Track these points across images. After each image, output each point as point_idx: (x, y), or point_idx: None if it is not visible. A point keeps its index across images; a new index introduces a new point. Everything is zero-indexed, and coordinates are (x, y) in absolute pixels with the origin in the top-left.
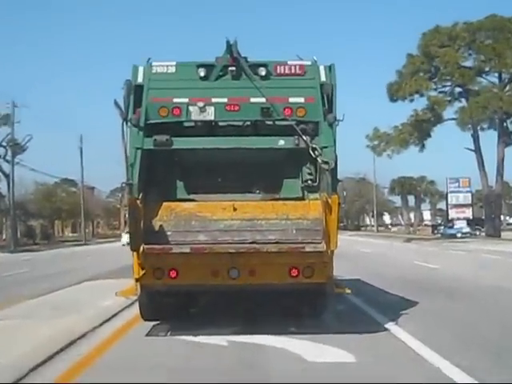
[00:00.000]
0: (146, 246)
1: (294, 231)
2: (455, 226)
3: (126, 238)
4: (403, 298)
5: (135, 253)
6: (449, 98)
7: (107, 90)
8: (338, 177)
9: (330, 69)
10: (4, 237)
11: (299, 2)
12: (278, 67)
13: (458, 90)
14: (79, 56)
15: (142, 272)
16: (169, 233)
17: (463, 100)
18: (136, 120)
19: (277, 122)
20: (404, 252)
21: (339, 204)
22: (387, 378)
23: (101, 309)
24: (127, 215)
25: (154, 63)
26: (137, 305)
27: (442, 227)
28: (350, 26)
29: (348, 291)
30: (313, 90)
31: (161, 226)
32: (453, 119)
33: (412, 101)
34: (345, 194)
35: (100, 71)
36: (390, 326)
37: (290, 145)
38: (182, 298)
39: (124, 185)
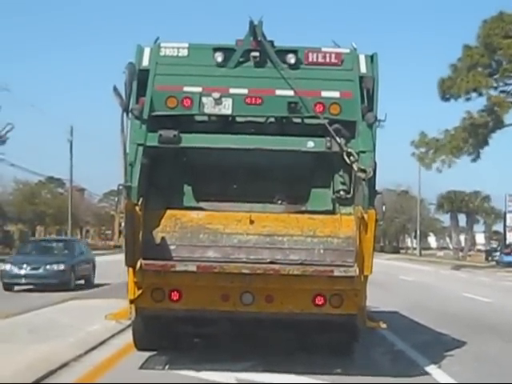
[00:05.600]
0: (144, 262)
1: (322, 251)
2: None
3: None
4: (448, 337)
5: (131, 269)
6: None
7: (105, 75)
8: (377, 188)
9: (371, 59)
10: None
11: None
12: (310, 55)
13: None
14: (73, 33)
15: (138, 292)
16: (172, 247)
17: None
18: (139, 111)
19: (306, 120)
20: (452, 281)
21: (377, 221)
22: None
23: (87, 334)
24: (123, 224)
25: (162, 44)
26: (130, 331)
27: (498, 253)
28: (394, 9)
29: (383, 326)
30: (350, 83)
31: (163, 238)
32: None
33: (468, 100)
34: (384, 209)
35: (97, 52)
36: (431, 369)
37: (321, 148)
38: (184, 326)
39: (121, 187)
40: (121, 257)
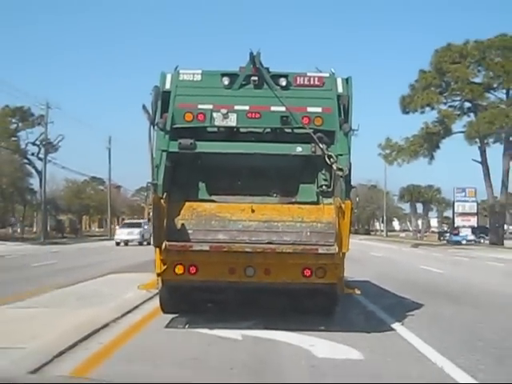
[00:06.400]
0: (168, 243)
1: (309, 233)
2: (460, 234)
3: (122, 234)
4: (409, 300)
5: (157, 249)
6: (458, 112)
7: (135, 95)
8: (352, 183)
9: (347, 81)
10: (35, 229)
11: (319, 22)
12: (298, 78)
13: (467, 104)
14: (110, 63)
15: (163, 267)
16: (190, 231)
17: (472, 114)
18: (163, 124)
19: (295, 130)
20: (412, 257)
21: (352, 209)
22: (393, 376)
23: (123, 301)
24: (151, 213)
25: (181, 71)
26: (157, 298)
27: (448, 234)
28: (366, 43)
29: (357, 292)
30: (330, 100)
31: (183, 224)
32: (461, 132)
33: (423, 113)
34: (358, 199)
35: (128, 77)
36: (396, 326)
37: (307, 152)
38: (200, 293)
39: (149, 184)
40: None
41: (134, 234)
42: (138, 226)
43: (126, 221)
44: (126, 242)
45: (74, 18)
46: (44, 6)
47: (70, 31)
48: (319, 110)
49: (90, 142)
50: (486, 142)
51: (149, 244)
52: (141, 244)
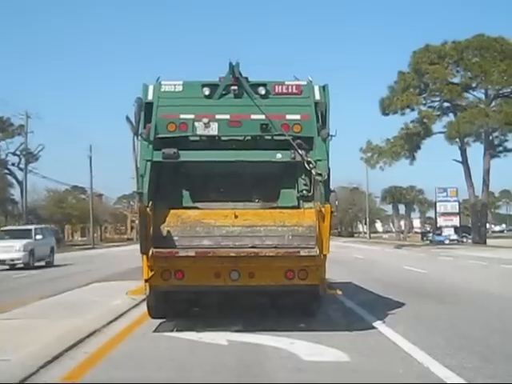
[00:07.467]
0: (154, 250)
1: (290, 237)
2: (443, 234)
3: (9, 251)
4: (393, 300)
5: (145, 256)
6: (438, 113)
7: (116, 105)
8: (332, 187)
9: (323, 88)
10: None
11: (297, 25)
12: (277, 87)
13: (446, 104)
14: (91, 73)
15: (150, 273)
16: (175, 238)
17: (451, 114)
18: (146, 134)
19: (275, 137)
20: (395, 257)
21: (332, 212)
22: (380, 376)
23: (110, 308)
24: (138, 221)
25: (163, 82)
26: (144, 304)
27: (431, 234)
28: (345, 46)
29: (339, 292)
30: (308, 108)
31: (168, 231)
32: (441, 132)
33: (403, 114)
34: (337, 203)
35: (110, 87)
36: (380, 326)
37: (287, 158)
38: (187, 298)
39: (135, 193)
40: (125, 248)
41: (13, 249)
42: (25, 235)
43: (4, 228)
44: (11, 264)
45: (50, 25)
46: (20, 12)
47: (50, 39)
48: (298, 117)
49: (71, 151)
50: (466, 141)
51: (50, 265)
52: (28, 267)
